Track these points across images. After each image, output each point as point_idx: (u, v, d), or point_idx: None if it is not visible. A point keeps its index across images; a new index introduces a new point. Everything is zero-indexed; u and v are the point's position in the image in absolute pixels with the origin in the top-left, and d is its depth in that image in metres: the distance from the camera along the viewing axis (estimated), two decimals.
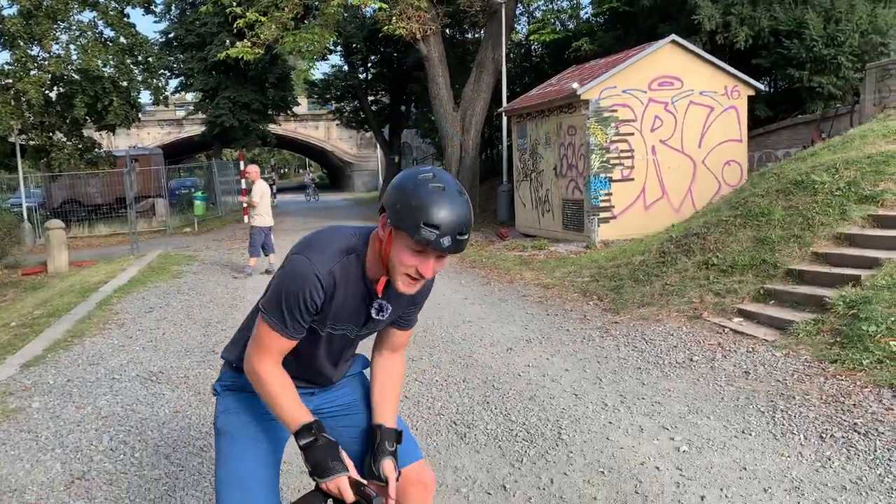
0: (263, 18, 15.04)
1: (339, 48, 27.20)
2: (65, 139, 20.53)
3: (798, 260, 6.56)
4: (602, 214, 11.36)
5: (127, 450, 3.98)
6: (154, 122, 40.72)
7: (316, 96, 32.40)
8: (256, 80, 26.57)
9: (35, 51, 19.22)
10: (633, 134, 11.37)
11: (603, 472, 3.52)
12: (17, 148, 19.75)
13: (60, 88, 19.67)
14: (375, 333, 2.09)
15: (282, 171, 70.14)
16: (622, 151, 11.37)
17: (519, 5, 19.57)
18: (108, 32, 20.57)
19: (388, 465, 1.91)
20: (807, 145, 11.22)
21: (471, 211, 1.72)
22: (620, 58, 12.08)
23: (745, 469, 3.47)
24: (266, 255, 10.67)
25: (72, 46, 19.74)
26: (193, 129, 37.65)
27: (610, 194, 11.39)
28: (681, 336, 5.90)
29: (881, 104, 11.08)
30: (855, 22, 12.62)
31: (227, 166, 26.30)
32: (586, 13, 20.40)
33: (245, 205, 13.61)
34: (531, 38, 19.15)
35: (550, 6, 21.23)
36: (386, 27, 15.34)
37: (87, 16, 38.99)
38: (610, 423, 4.18)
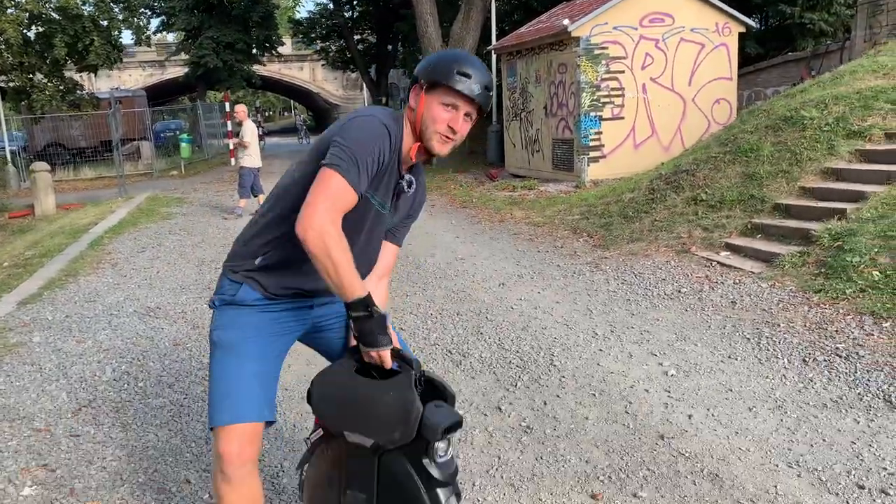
0: None
1: None
2: (46, 80, 20.11)
3: (785, 195, 6.65)
4: (592, 154, 11.37)
5: (130, 380, 4.07)
6: (136, 63, 39.81)
7: (301, 35, 31.77)
8: (240, 19, 26.01)
9: None
10: (623, 72, 11.30)
11: (594, 395, 3.65)
12: None
13: (39, 27, 19.16)
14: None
15: (266, 113, 69.06)
16: (612, 90, 11.31)
17: None
18: None
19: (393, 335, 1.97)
20: (796, 83, 11.20)
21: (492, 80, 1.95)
22: None
23: (731, 391, 3.61)
24: (255, 197, 10.66)
25: None
26: (176, 71, 36.92)
27: (600, 133, 11.37)
28: (669, 270, 6.02)
29: (872, 40, 11.04)
30: None
31: (212, 108, 25.91)
32: None
33: (232, 147, 13.51)
34: None
35: None
36: None
37: None
38: (600, 350, 4.31)
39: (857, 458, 2.90)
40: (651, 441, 3.13)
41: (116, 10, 20.73)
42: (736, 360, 4.02)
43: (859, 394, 3.46)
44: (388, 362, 1.86)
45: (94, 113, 21.19)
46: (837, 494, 2.66)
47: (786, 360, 3.95)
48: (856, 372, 3.69)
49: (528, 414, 3.47)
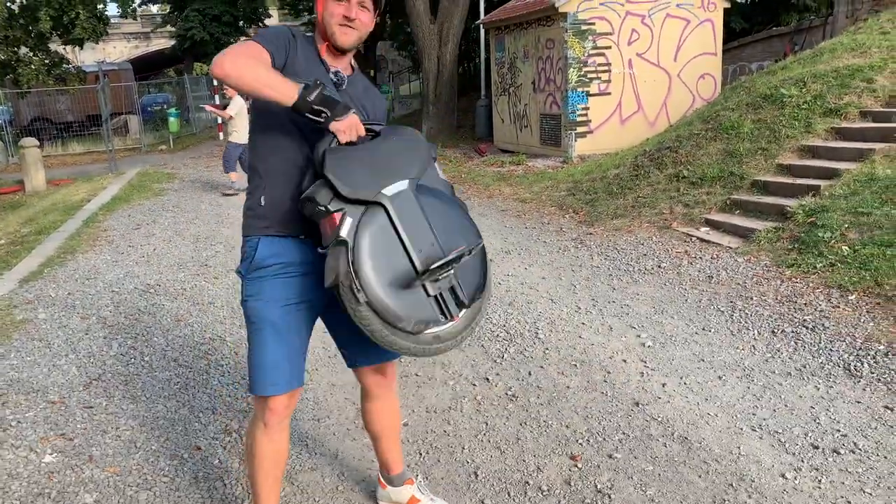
0: None
1: None
2: (31, 54, 19.97)
3: (764, 171, 6.88)
4: (579, 129, 11.55)
5: (136, 354, 4.28)
6: (120, 34, 39.32)
7: (288, 6, 31.49)
8: None
9: None
10: (610, 47, 11.44)
11: (575, 365, 3.90)
12: None
13: (24, 1, 18.98)
14: None
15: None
16: (599, 65, 11.46)
17: None
18: None
19: None
20: (780, 59, 11.40)
21: None
22: None
23: (703, 360, 3.87)
24: (245, 171, 10.75)
25: None
26: (162, 43, 36.56)
27: (587, 109, 11.54)
28: (651, 245, 6.26)
29: (854, 16, 11.23)
30: None
31: (199, 82, 25.80)
32: None
33: (220, 121, 13.54)
34: None
35: None
36: None
37: None
38: (582, 323, 4.55)
39: (815, 421, 3.16)
40: (626, 407, 3.38)
41: None
42: (709, 331, 4.28)
43: (821, 363, 3.72)
44: (361, 127, 2.06)
45: (82, 87, 21.09)
46: (794, 454, 2.92)
47: (756, 331, 4.21)
48: (820, 342, 3.95)
49: (513, 384, 3.71)
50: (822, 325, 4.16)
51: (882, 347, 3.76)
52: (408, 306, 1.96)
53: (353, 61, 2.26)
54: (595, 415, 3.33)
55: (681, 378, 3.67)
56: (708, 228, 6.46)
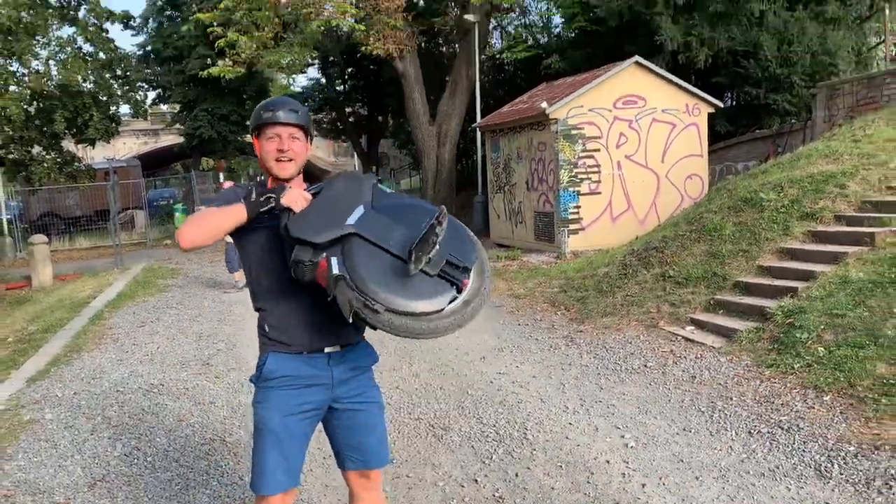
0: (243, 38, 15.48)
1: (316, 60, 27.64)
2: (44, 153, 20.76)
3: (745, 273, 7.18)
4: (571, 226, 11.97)
5: (140, 455, 4.45)
6: (130, 131, 40.62)
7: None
8: (235, 92, 26.92)
9: (15, 66, 19.46)
10: (599, 150, 12.01)
11: (561, 466, 4.07)
12: None
13: (40, 104, 19.91)
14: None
15: (259, 178, 70.11)
16: (589, 166, 12.00)
17: (492, 20, 20.19)
18: (88, 48, 20.87)
19: None
20: (763, 160, 11.93)
21: (298, 103, 2.45)
22: (587, 77, 12.71)
23: (682, 461, 4.04)
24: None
25: (52, 62, 20.02)
26: (170, 139, 37.77)
27: (579, 207, 12.00)
28: (638, 344, 6.48)
29: (830, 121, 11.83)
30: (806, 44, 13.41)
31: (205, 178, 26.62)
32: (557, 28, 21.10)
33: None
34: (504, 54, 19.76)
35: (522, 21, 21.90)
36: (364, 47, 15.85)
37: (67, 31, 38.96)
38: (570, 423, 4.73)
39: None
40: None
41: (115, 85, 21.57)
42: (690, 432, 4.46)
43: (794, 464, 3.89)
44: (306, 195, 2.33)
45: (92, 185, 21.78)
46: None
47: (734, 431, 4.39)
48: (794, 443, 4.13)
49: (501, 485, 3.87)
50: (797, 425, 4.35)
51: (852, 448, 3.94)
52: (420, 294, 2.17)
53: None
54: None
55: (660, 479, 3.83)
56: (693, 328, 6.70)
